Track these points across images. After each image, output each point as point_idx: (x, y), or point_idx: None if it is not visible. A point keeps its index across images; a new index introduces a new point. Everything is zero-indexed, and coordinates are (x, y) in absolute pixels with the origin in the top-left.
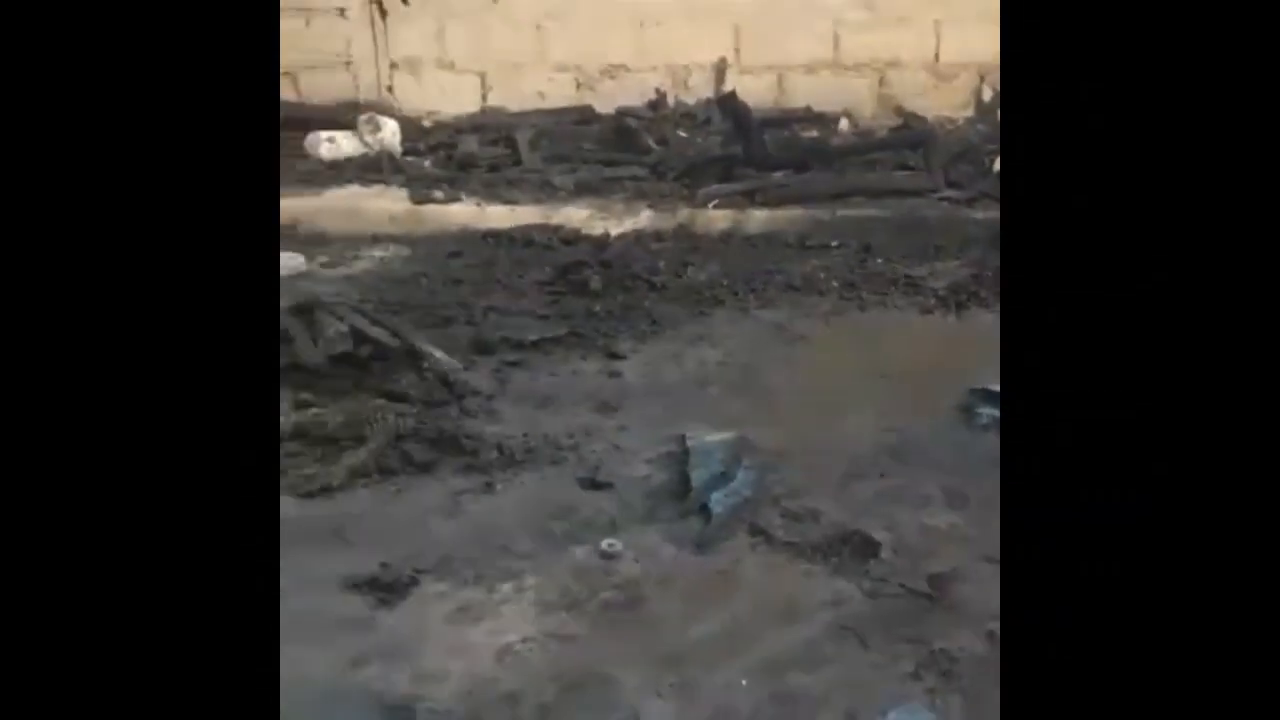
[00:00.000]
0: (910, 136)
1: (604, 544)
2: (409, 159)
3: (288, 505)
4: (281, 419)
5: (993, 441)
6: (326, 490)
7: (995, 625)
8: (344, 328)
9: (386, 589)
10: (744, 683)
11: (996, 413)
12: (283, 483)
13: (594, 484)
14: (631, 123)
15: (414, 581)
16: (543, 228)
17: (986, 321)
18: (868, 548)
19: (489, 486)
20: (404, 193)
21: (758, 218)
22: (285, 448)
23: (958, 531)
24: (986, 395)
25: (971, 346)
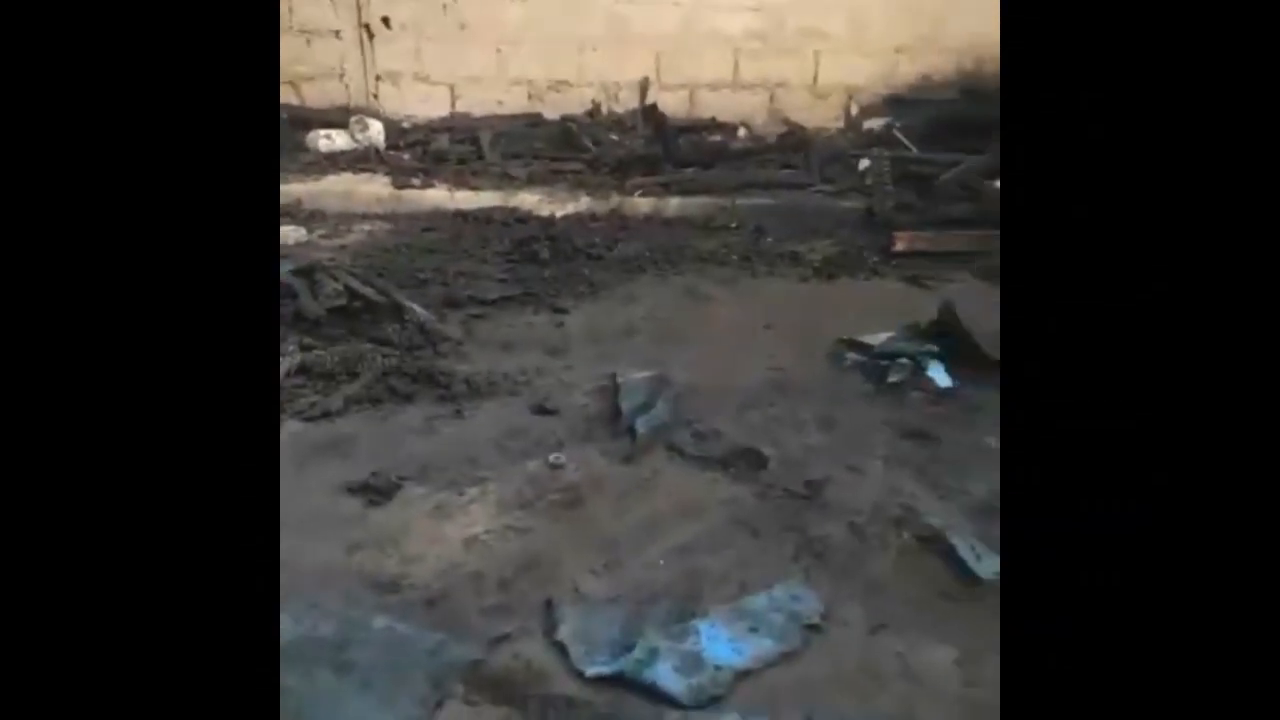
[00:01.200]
0: (794, 142)
1: (551, 457)
2: (391, 153)
3: (296, 427)
4: (288, 359)
5: (855, 379)
6: (327, 415)
7: (857, 519)
8: (339, 286)
9: (376, 492)
10: (661, 563)
11: (858, 357)
12: (290, 409)
13: (543, 411)
14: (573, 127)
15: (398, 486)
16: (501, 209)
17: (851, 287)
18: (758, 460)
19: (458, 413)
20: (387, 180)
21: (674, 204)
22: (292, 381)
23: (827, 447)
24: (850, 344)
25: (839, 306)
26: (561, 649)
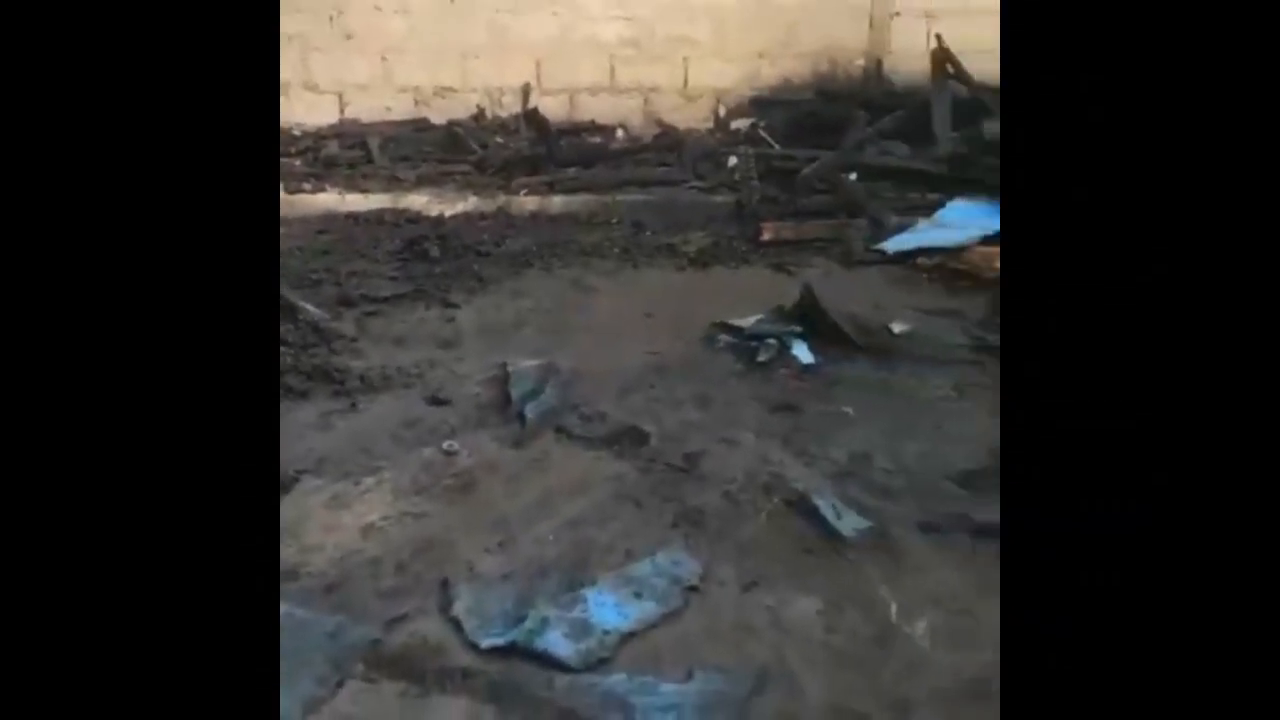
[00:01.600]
0: (668, 142)
1: (444, 445)
2: (283, 159)
3: None
4: None
5: (727, 360)
6: None
7: (731, 487)
8: None
9: None
10: (551, 538)
11: (730, 339)
12: None
13: (436, 401)
14: (459, 131)
15: (296, 479)
16: (391, 210)
17: (723, 275)
18: (640, 438)
19: (354, 406)
20: (280, 185)
21: (557, 202)
22: None
23: (703, 423)
24: (723, 327)
25: (713, 293)
26: (457, 624)
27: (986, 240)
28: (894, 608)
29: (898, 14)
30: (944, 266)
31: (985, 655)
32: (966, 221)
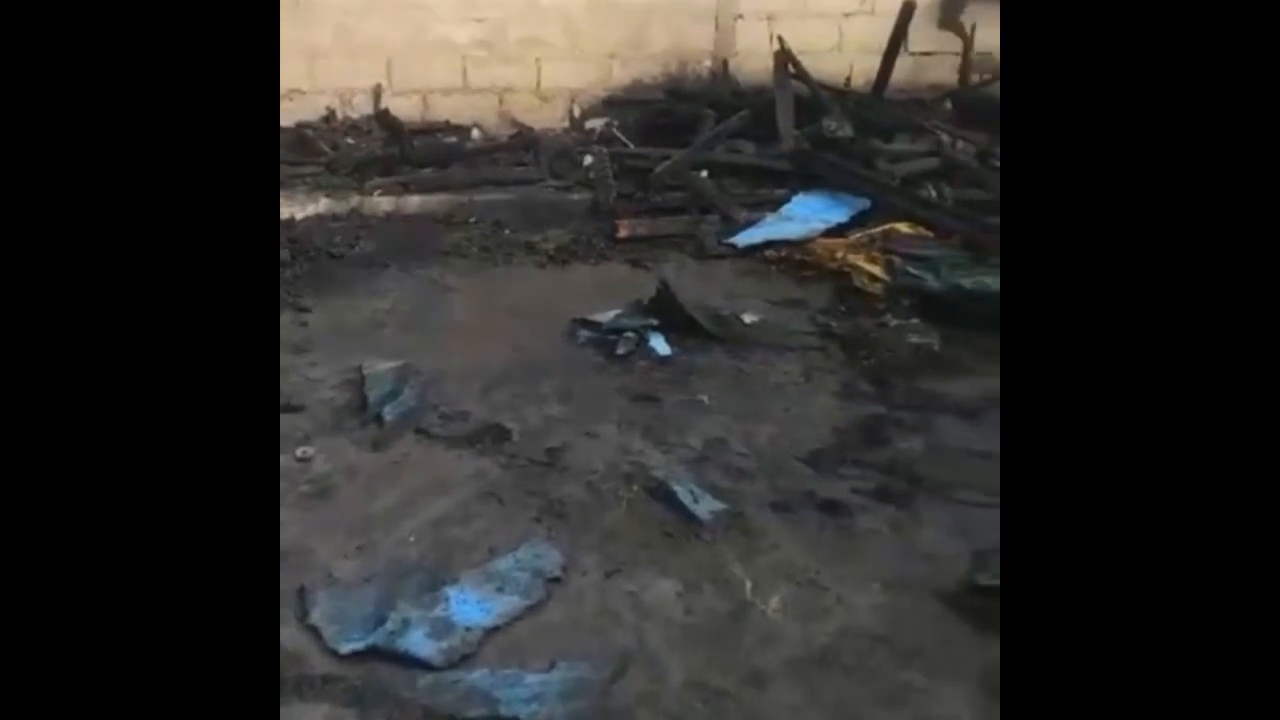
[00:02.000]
0: (524, 141)
1: (298, 451)
2: None
3: None
4: None
5: (588, 354)
6: None
7: (593, 478)
8: None
9: None
10: (412, 539)
11: (590, 333)
12: None
13: (289, 408)
14: (310, 133)
15: None
16: None
17: (583, 272)
18: (502, 434)
19: None
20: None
21: (413, 202)
22: None
23: (565, 417)
24: (583, 323)
25: (572, 289)
26: (315, 632)
27: (829, 232)
28: (748, 585)
29: (741, 16)
30: (790, 258)
31: (832, 625)
32: (810, 215)
